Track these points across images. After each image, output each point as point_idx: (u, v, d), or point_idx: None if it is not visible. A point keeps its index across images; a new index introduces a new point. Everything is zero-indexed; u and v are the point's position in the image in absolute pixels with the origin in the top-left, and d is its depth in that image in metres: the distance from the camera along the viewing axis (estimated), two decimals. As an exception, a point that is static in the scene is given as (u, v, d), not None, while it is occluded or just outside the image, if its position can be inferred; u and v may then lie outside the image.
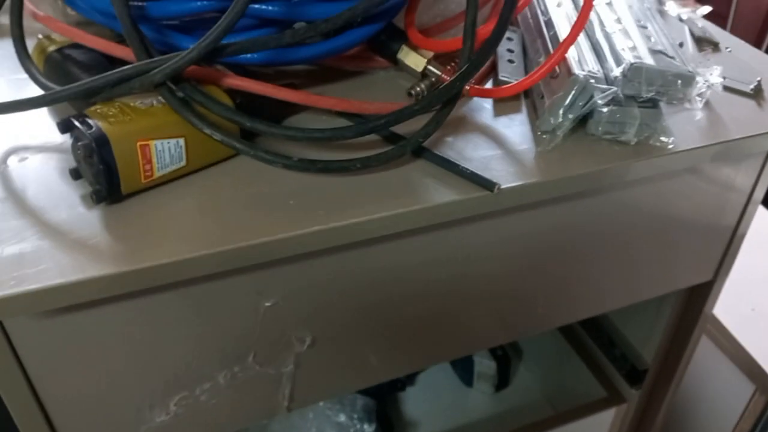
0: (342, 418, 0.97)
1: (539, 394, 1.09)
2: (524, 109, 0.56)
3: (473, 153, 0.51)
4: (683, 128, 0.54)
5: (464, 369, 1.09)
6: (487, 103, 0.57)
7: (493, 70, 0.59)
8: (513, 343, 1.15)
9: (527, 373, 1.13)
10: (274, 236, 0.43)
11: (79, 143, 0.42)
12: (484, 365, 1.07)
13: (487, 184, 0.46)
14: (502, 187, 0.47)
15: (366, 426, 0.96)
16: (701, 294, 0.78)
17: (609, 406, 0.91)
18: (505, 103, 0.56)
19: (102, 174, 0.42)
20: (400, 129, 0.50)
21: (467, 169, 0.47)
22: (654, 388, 0.90)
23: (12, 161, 0.48)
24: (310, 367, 0.59)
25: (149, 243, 0.42)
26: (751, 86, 0.59)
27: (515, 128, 0.54)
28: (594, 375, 0.96)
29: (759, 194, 0.67)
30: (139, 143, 0.43)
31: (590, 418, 0.90)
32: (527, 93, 0.58)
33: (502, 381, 1.09)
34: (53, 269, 0.40)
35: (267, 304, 0.53)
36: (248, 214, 0.45)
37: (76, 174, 0.45)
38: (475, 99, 0.57)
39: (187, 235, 0.43)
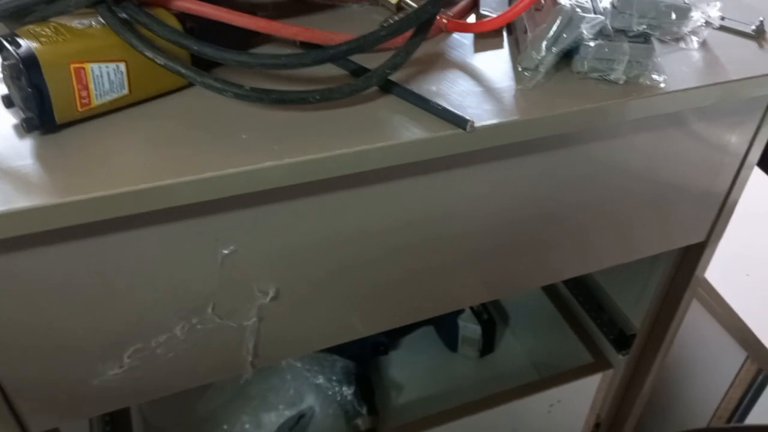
0: (321, 379, 0.95)
1: (525, 360, 1.06)
2: (506, 46, 0.52)
3: (448, 90, 0.46)
4: (677, 68, 0.50)
5: (449, 333, 1.07)
6: (467, 40, 0.52)
7: (475, 6, 0.55)
8: (499, 308, 1.12)
9: (513, 339, 1.10)
10: (223, 171, 0.39)
11: (6, 63, 0.38)
12: (469, 330, 1.04)
13: (459, 122, 0.42)
14: (477, 125, 0.43)
15: (345, 388, 0.93)
16: (693, 256, 0.75)
17: (595, 371, 0.88)
18: (486, 40, 0.52)
19: (32, 98, 0.38)
20: (371, 65, 0.45)
21: (439, 105, 0.43)
22: (642, 354, 0.87)
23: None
24: (275, 321, 0.56)
25: (85, 175, 0.38)
26: (753, 27, 0.54)
27: (495, 66, 0.50)
28: (581, 340, 0.93)
29: (754, 157, 0.63)
30: (73, 66, 0.39)
31: (576, 383, 0.88)
32: (510, 30, 0.53)
33: (487, 346, 1.06)
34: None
35: (225, 251, 0.50)
36: (196, 148, 0.41)
37: (8, 101, 0.41)
38: (455, 36, 0.53)
39: (128, 169, 0.39)
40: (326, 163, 0.41)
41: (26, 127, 0.39)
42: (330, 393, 0.93)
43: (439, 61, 0.50)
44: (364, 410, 0.91)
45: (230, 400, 0.96)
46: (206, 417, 0.93)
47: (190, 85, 0.45)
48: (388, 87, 0.45)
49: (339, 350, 0.99)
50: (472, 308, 1.04)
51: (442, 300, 0.64)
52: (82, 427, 0.75)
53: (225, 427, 0.92)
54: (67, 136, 0.41)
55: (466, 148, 0.44)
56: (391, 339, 1.05)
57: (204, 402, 0.93)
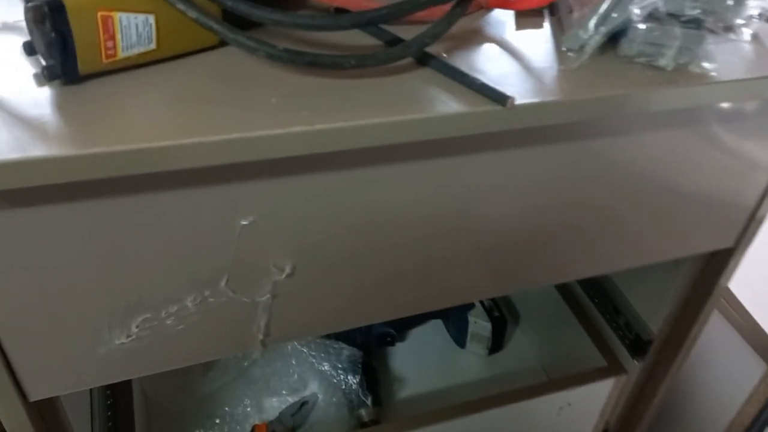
0: (326, 366, 0.93)
1: (534, 360, 1.04)
2: (548, 27, 0.50)
3: (487, 67, 0.44)
4: (727, 59, 0.48)
5: (458, 329, 1.05)
6: (508, 19, 0.50)
7: (516, -15, 0.53)
8: (510, 305, 1.10)
9: (523, 338, 1.08)
10: (249, 133, 0.37)
11: (30, 5, 0.36)
12: (479, 326, 1.02)
13: (499, 98, 0.40)
14: (517, 102, 0.41)
15: (350, 377, 0.91)
16: (718, 263, 0.73)
17: (608, 375, 0.86)
18: (527, 19, 0.50)
19: (55, 45, 0.36)
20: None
21: (478, 80, 0.41)
22: (658, 360, 0.84)
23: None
24: (289, 300, 0.54)
25: (105, 129, 0.37)
26: (809, 23, 0.52)
27: (537, 45, 0.47)
28: (594, 343, 0.91)
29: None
30: (100, 13, 0.37)
31: (587, 387, 0.85)
32: (553, 11, 0.51)
33: (496, 344, 1.04)
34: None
35: (243, 222, 0.48)
36: (223, 110, 0.39)
37: (29, 48, 0.39)
38: (494, 13, 0.51)
39: (150, 126, 0.37)
40: (357, 132, 0.39)
41: (47, 75, 0.37)
42: (335, 381, 0.91)
43: (478, 38, 0.48)
44: (368, 400, 0.89)
45: (233, 381, 0.94)
46: (208, 396, 0.92)
47: (220, 45, 0.43)
48: (424, 59, 0.43)
49: (345, 338, 0.97)
50: (482, 304, 1.02)
51: (454, 291, 0.62)
52: (82, 399, 0.74)
53: (226, 408, 0.91)
54: (88, 89, 0.39)
55: (504, 126, 0.41)
56: (398, 330, 1.03)
57: (206, 381, 0.92)
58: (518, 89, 0.42)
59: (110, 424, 0.74)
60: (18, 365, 0.49)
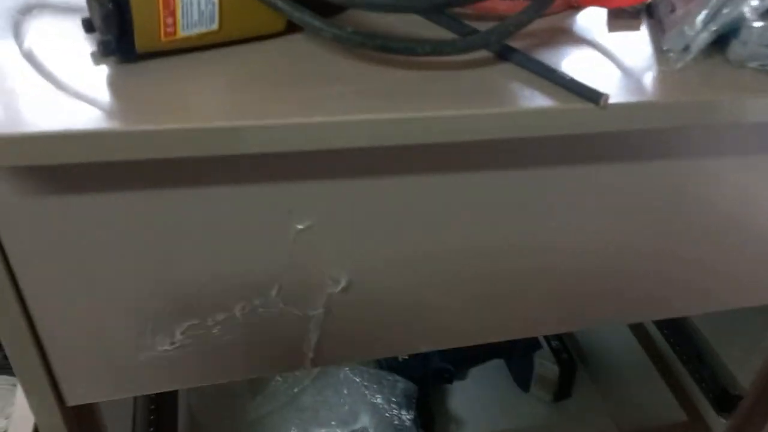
0: (379, 399, 0.88)
1: (604, 410, 0.96)
2: (646, 29, 0.45)
3: (575, 66, 0.40)
4: None
5: (522, 370, 0.98)
6: (600, 18, 0.46)
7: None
8: (580, 348, 1.02)
9: (592, 385, 0.99)
10: (310, 118, 0.34)
11: (89, -25, 0.35)
12: (546, 368, 0.94)
13: (591, 95, 0.36)
14: (611, 101, 0.36)
15: (404, 412, 0.86)
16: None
17: (689, 432, 0.78)
18: (622, 21, 0.45)
19: (112, 17, 0.34)
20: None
21: (566, 76, 0.37)
22: (748, 418, 0.76)
23: (26, 11, 0.41)
24: (342, 316, 0.50)
25: (158, 109, 0.34)
26: None
27: (632, 45, 0.43)
28: (674, 395, 0.83)
29: None
30: (161, -13, 0.34)
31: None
32: (651, 13, 0.46)
33: (563, 389, 0.96)
34: (29, 119, 0.32)
35: (299, 227, 0.44)
36: (284, 95, 0.36)
37: (87, 25, 0.37)
38: (585, 13, 0.46)
39: (206, 107, 0.34)
40: (429, 124, 0.35)
41: (102, 50, 0.35)
42: (387, 415, 0.86)
43: (565, 37, 0.43)
44: (422, 439, 0.83)
45: (281, 408, 0.90)
46: (255, 422, 0.88)
47: (286, 32, 0.40)
48: (505, 53, 0.39)
49: (400, 371, 0.92)
50: (550, 345, 0.96)
51: (520, 321, 0.57)
52: (126, 414, 0.71)
53: (273, 436, 0.87)
54: (144, 68, 0.37)
55: (594, 127, 0.37)
56: (456, 367, 0.97)
57: (254, 406, 0.88)
58: (612, 89, 0.37)
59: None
60: (57, 367, 0.47)
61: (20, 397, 0.56)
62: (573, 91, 0.36)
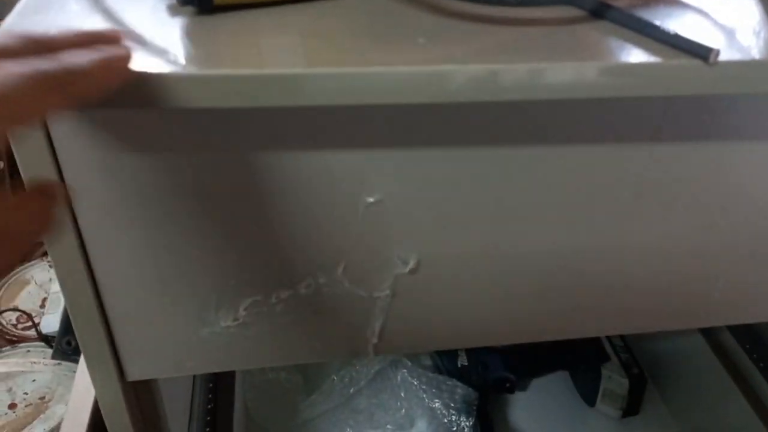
0: (437, 404, 0.84)
1: (675, 429, 0.90)
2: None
3: (676, 25, 0.37)
4: None
5: (588, 383, 0.93)
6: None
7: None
8: (651, 362, 0.97)
9: (663, 403, 0.94)
10: (393, 67, 0.32)
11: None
12: (614, 382, 0.89)
13: (699, 51, 0.32)
14: (721, 58, 0.33)
15: (463, 419, 0.82)
16: None
17: (775, 455, 0.71)
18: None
19: (191, -35, 0.33)
20: None
21: (671, 31, 0.33)
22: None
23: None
24: (408, 300, 0.48)
25: (235, 57, 0.33)
26: None
27: (738, 7, 0.39)
28: (757, 414, 0.77)
29: None
30: (242, -67, 0.33)
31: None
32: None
33: (631, 405, 0.91)
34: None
35: (369, 199, 0.42)
36: (364, 47, 0.34)
37: (166, -22, 0.36)
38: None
39: (284, 57, 0.33)
40: (522, 75, 0.32)
41: (180, 0, 0.34)
42: (446, 421, 0.83)
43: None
44: (482, 447, 0.79)
45: (336, 408, 0.88)
46: (309, 421, 0.86)
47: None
48: (600, 10, 0.36)
49: (459, 378, 0.89)
50: (619, 358, 0.90)
51: (603, 319, 0.53)
52: (183, 405, 0.70)
53: (326, 436, 0.84)
54: (221, 20, 0.36)
55: (703, 88, 0.33)
56: (519, 377, 0.92)
57: (308, 405, 0.86)
58: (719, 47, 0.34)
59: (208, 430, 0.70)
60: (121, 341, 0.46)
61: (80, 374, 0.55)
62: (678, 47, 0.33)
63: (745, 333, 0.82)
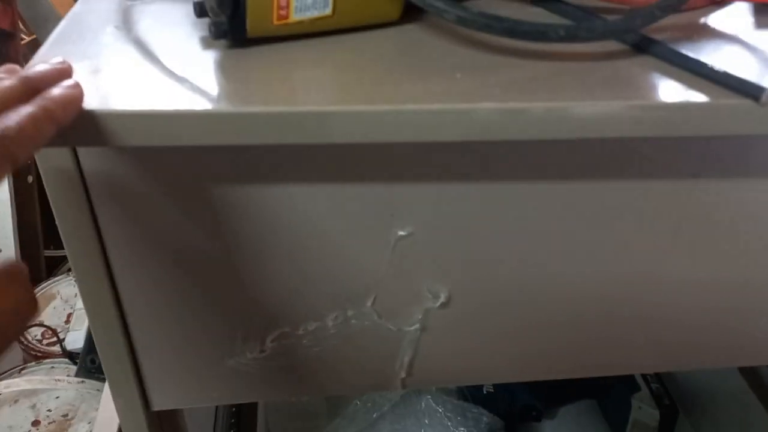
0: (461, 431, 0.83)
1: (709, 464, 0.87)
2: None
3: (723, 62, 0.35)
4: None
5: (617, 413, 0.90)
6: (745, 15, 0.41)
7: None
8: (682, 393, 0.94)
9: (696, 435, 0.91)
10: (429, 105, 0.31)
11: (206, -45, 0.33)
12: (644, 413, 0.87)
13: (750, 90, 0.31)
14: (772, 98, 0.31)
15: (489, 448, 0.80)
16: None
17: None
18: (769, 17, 0.41)
19: (226, -1, 0.32)
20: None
21: (719, 69, 0.32)
22: None
23: None
24: (438, 335, 0.46)
25: (269, 92, 0.32)
26: None
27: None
28: (796, 452, 0.74)
29: None
30: (277, -32, 0.33)
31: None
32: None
33: (663, 437, 0.88)
34: (140, 99, 0.30)
35: (401, 233, 0.41)
36: (401, 83, 0.33)
37: (199, 10, 0.36)
38: (730, 10, 0.42)
39: (317, 93, 0.32)
40: (562, 114, 0.31)
41: (214, 33, 0.34)
42: (470, 450, 0.81)
43: (708, 31, 0.39)
44: (507, 478, 0.78)
45: (359, 433, 0.86)
46: (331, 446, 0.85)
47: (400, 22, 0.38)
48: (644, 44, 0.35)
49: (485, 405, 0.87)
50: (650, 388, 0.88)
51: (637, 357, 0.51)
52: (206, 428, 0.70)
53: (349, 462, 0.83)
54: (255, 53, 0.35)
55: (753, 128, 0.32)
56: (546, 405, 0.91)
57: (331, 429, 0.85)
58: (768, 86, 0.33)
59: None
60: (147, 371, 0.46)
61: (105, 400, 0.55)
62: (727, 86, 0.32)
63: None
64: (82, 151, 0.34)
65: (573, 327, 0.48)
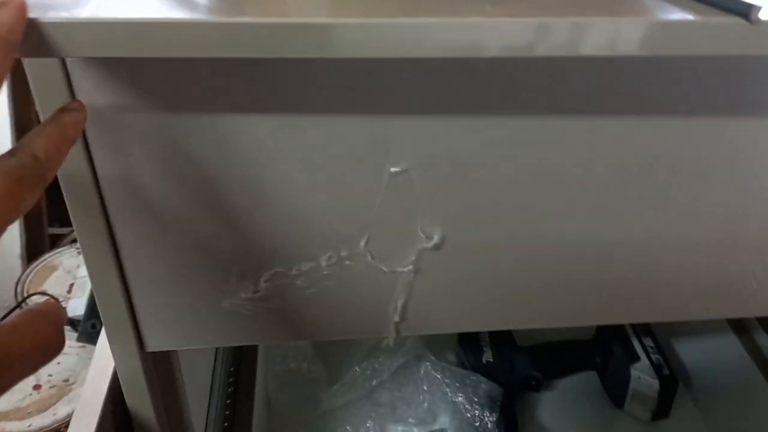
0: (460, 398, 0.83)
1: (707, 433, 0.87)
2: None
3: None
4: None
5: (617, 384, 0.90)
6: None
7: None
8: (682, 364, 0.94)
9: (694, 406, 0.91)
10: (419, 19, 0.31)
11: None
12: (644, 383, 0.87)
13: (741, 9, 0.31)
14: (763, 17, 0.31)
15: (486, 414, 0.80)
16: None
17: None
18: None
19: None
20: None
21: (709, -11, 0.32)
22: None
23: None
24: (432, 278, 0.47)
25: (258, 6, 0.32)
26: None
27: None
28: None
29: None
30: None
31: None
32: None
33: (662, 408, 0.88)
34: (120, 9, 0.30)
35: (393, 169, 0.41)
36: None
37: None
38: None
39: (309, 7, 0.32)
40: (556, 29, 0.31)
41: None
42: (468, 415, 0.81)
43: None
44: (505, 443, 0.78)
45: (358, 400, 0.87)
46: (330, 412, 0.85)
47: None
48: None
49: (485, 374, 0.87)
50: (650, 359, 0.88)
51: (633, 306, 0.51)
52: (202, 392, 0.70)
53: (348, 427, 0.83)
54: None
55: (745, 49, 0.32)
56: (546, 376, 0.91)
57: (330, 395, 0.85)
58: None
59: (226, 424, 0.69)
60: (141, 311, 0.46)
61: (100, 346, 0.55)
62: (719, 6, 0.31)
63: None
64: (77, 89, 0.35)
65: (565, 275, 0.48)
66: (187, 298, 0.45)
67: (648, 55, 0.31)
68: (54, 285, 1.05)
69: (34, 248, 1.13)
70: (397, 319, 0.48)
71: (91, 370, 0.51)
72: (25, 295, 1.00)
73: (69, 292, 1.03)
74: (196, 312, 0.46)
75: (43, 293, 1.01)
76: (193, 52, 0.30)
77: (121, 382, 0.49)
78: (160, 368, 0.50)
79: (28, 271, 1.05)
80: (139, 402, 0.50)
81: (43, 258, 1.07)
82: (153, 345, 0.48)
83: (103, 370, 0.51)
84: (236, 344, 0.50)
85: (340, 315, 0.48)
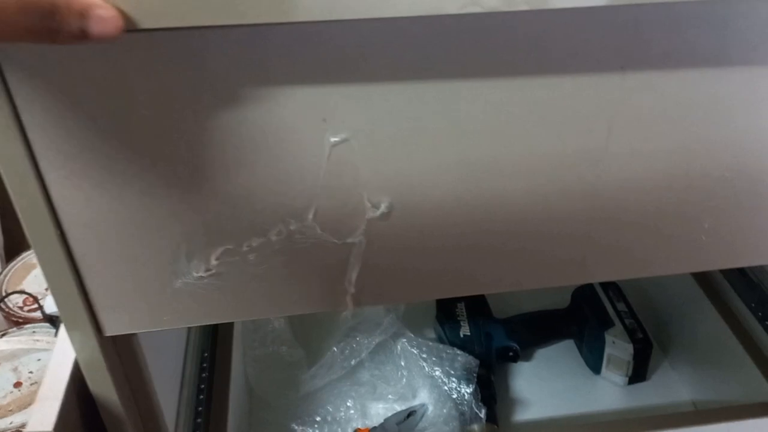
0: (437, 372, 0.84)
1: (684, 395, 0.88)
2: None
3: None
4: None
5: (592, 351, 0.91)
6: None
7: None
8: (657, 327, 0.95)
9: (671, 368, 0.92)
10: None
11: None
12: (618, 348, 0.88)
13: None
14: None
15: (463, 386, 0.81)
16: None
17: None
18: None
19: None
20: None
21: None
22: None
23: None
24: (382, 247, 0.47)
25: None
26: None
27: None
28: (763, 374, 0.75)
29: None
30: None
31: (749, 422, 0.69)
32: None
33: (638, 371, 0.89)
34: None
35: (333, 139, 0.42)
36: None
37: None
38: None
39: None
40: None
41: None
42: (445, 388, 0.82)
43: None
44: (482, 413, 0.78)
45: (338, 380, 0.87)
46: (311, 394, 0.86)
47: None
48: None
49: (462, 348, 0.88)
50: (623, 324, 0.89)
51: (567, 268, 0.52)
52: (174, 380, 0.70)
53: (329, 408, 0.84)
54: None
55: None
56: (523, 347, 0.91)
57: (309, 377, 0.86)
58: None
59: (200, 408, 0.69)
60: (94, 295, 0.46)
61: (61, 336, 0.55)
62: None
63: (752, 293, 0.80)
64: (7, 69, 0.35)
65: (518, 237, 0.49)
66: (140, 280, 0.46)
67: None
68: (33, 283, 1.05)
69: (12, 247, 1.13)
70: (353, 290, 0.49)
71: (52, 358, 0.51)
72: (3, 294, 1.00)
73: (47, 290, 1.03)
74: (149, 293, 0.46)
75: (22, 292, 1.01)
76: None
77: (81, 368, 0.49)
78: (122, 352, 0.50)
79: (6, 270, 1.05)
80: (102, 387, 0.50)
81: (21, 257, 1.07)
82: (110, 329, 0.48)
83: (65, 356, 0.51)
84: (194, 324, 0.50)
85: (296, 290, 0.49)
